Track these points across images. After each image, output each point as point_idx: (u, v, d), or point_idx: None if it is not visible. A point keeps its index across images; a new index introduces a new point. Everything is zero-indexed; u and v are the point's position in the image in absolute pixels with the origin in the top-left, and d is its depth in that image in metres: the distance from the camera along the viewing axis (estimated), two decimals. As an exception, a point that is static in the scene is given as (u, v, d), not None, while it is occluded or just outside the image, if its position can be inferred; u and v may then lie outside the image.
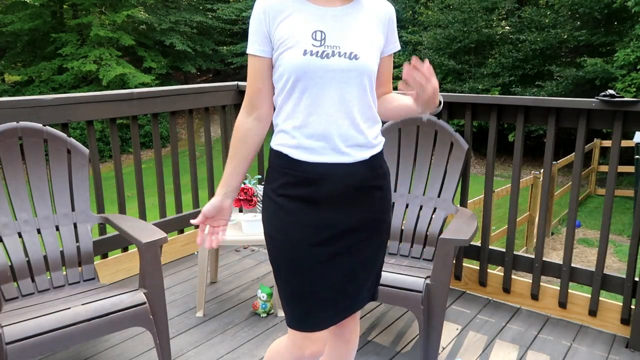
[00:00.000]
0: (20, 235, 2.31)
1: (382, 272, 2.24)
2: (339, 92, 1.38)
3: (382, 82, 1.55)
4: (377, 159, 1.47)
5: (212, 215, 1.57)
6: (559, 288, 2.70)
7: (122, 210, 3.08)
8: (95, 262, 2.54)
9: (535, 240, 4.78)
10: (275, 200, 1.44)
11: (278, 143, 1.44)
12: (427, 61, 1.30)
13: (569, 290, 2.68)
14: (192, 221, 1.55)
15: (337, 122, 1.38)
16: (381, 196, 1.50)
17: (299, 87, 1.37)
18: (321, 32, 1.37)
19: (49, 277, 2.36)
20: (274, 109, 1.47)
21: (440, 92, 1.40)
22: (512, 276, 2.85)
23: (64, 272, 2.40)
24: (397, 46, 1.53)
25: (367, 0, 1.47)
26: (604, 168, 10.85)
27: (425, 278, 2.21)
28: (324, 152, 1.38)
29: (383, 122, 1.71)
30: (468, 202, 2.92)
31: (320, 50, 1.36)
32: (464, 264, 3.00)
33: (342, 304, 1.49)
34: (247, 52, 1.44)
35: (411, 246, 2.71)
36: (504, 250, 2.85)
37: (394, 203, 2.77)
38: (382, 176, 1.50)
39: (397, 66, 18.40)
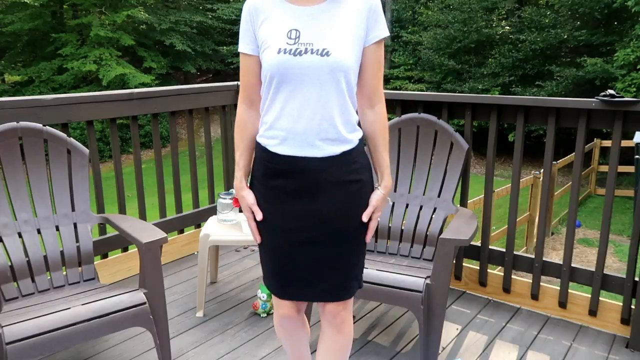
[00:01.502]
0: (20, 235, 2.31)
1: (383, 272, 2.27)
2: (312, 88, 1.44)
3: (369, 76, 1.54)
4: (352, 153, 1.51)
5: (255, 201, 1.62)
6: (559, 288, 2.70)
7: (122, 210, 3.08)
8: (95, 262, 2.54)
9: (535, 240, 4.78)
10: (258, 189, 1.58)
11: (260, 135, 1.56)
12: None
13: (569, 290, 2.68)
14: (251, 217, 1.62)
15: (309, 117, 1.45)
16: (356, 190, 1.54)
17: (275, 83, 1.47)
18: (296, 30, 1.45)
19: (49, 277, 2.36)
20: None
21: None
22: (512, 276, 2.85)
23: (64, 272, 2.40)
24: (381, 33, 1.52)
25: None
26: (604, 168, 10.84)
27: (425, 278, 2.21)
28: (297, 145, 1.47)
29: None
30: (468, 202, 2.92)
31: (294, 48, 1.43)
32: (464, 264, 3.00)
33: (310, 288, 1.61)
34: (239, 50, 1.55)
35: (411, 246, 2.71)
36: (504, 250, 2.85)
37: (393, 203, 2.78)
38: (356, 171, 1.53)
39: (398, 66, 18.39)
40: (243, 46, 1.54)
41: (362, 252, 1.64)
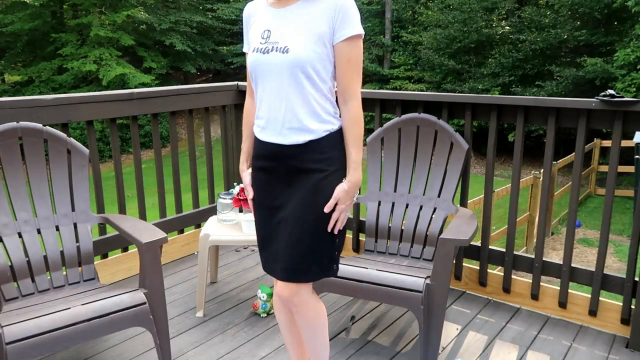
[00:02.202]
0: (20, 235, 2.31)
1: (383, 272, 2.27)
2: (276, 82, 1.60)
3: (340, 73, 1.63)
4: (317, 144, 1.62)
5: (251, 182, 1.84)
6: (559, 288, 2.70)
7: (122, 210, 3.08)
8: (95, 262, 2.54)
9: (535, 240, 4.79)
10: (252, 170, 1.80)
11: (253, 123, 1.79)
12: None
13: (569, 290, 2.68)
14: (249, 197, 1.83)
15: (276, 108, 1.62)
16: (320, 179, 1.63)
17: (253, 78, 1.67)
18: (268, 30, 1.62)
19: (49, 277, 2.36)
20: None
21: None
22: (512, 276, 2.85)
23: (64, 272, 2.40)
24: (347, 32, 1.58)
25: None
26: (604, 168, 10.84)
27: (425, 278, 2.21)
28: (269, 133, 1.66)
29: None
30: (468, 202, 2.92)
31: (264, 47, 1.61)
32: (464, 264, 3.00)
33: (272, 264, 1.76)
34: (244, 50, 1.77)
35: (411, 246, 2.71)
36: (504, 250, 2.85)
37: (393, 203, 2.78)
38: (324, 161, 1.64)
39: (398, 66, 18.39)
40: (244, 46, 1.76)
41: (326, 240, 1.69)
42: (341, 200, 1.66)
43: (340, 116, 1.69)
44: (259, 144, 1.72)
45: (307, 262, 1.68)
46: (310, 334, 1.83)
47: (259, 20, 1.67)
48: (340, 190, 1.65)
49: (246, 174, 1.84)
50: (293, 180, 1.67)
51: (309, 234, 1.66)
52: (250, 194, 1.82)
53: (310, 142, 1.62)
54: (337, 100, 1.70)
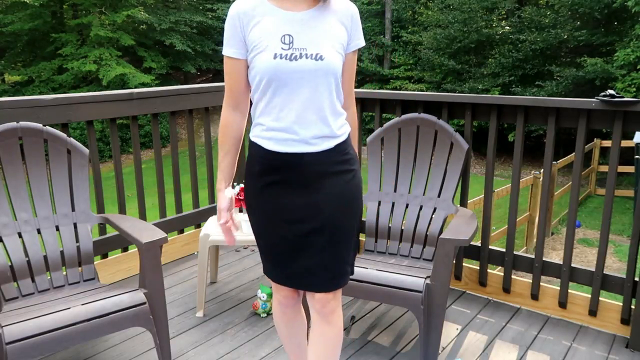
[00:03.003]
0: (20, 235, 2.31)
1: (383, 272, 2.27)
2: (308, 90, 1.53)
3: (346, 79, 1.67)
4: (342, 145, 1.62)
5: (230, 208, 1.74)
6: (559, 288, 2.70)
7: (122, 210, 3.08)
8: (95, 262, 2.54)
9: (535, 240, 4.79)
10: (253, 185, 1.65)
11: (255, 135, 1.62)
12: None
13: (569, 290, 2.68)
14: (220, 222, 1.73)
15: (305, 118, 1.54)
16: (350, 179, 1.63)
17: (272, 86, 1.53)
18: (289, 35, 1.52)
19: (49, 277, 2.36)
20: (251, 104, 1.65)
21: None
22: (512, 276, 2.85)
23: (64, 272, 2.40)
24: (360, 42, 1.65)
25: (332, 1, 1.59)
26: (604, 168, 10.85)
27: (425, 278, 2.21)
28: (294, 144, 1.55)
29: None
30: (468, 202, 2.92)
31: (289, 53, 1.51)
32: (464, 264, 3.00)
33: (309, 278, 1.65)
34: (224, 54, 1.59)
35: (411, 246, 2.71)
36: (504, 250, 2.85)
37: (393, 203, 2.78)
38: (348, 161, 1.63)
39: (398, 66, 18.39)
40: (230, 50, 1.58)
41: (355, 239, 1.70)
42: None
43: None
44: (271, 157, 1.58)
45: (345, 264, 1.67)
46: (335, 343, 1.74)
47: (268, 22, 1.53)
48: None
49: (224, 195, 1.70)
50: (316, 187, 1.58)
51: (346, 236, 1.64)
52: (223, 218, 1.70)
53: (338, 145, 1.61)
54: None
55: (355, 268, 2.29)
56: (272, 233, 1.66)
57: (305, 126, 1.54)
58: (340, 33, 1.58)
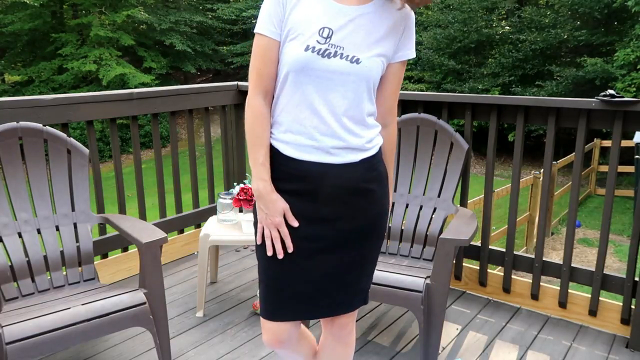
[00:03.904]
0: (20, 235, 2.31)
1: (383, 272, 2.27)
2: (335, 93, 1.36)
3: (389, 92, 1.48)
4: (370, 161, 1.44)
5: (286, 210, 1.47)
6: (559, 288, 2.70)
7: (122, 210, 3.08)
8: (95, 262, 2.54)
9: (535, 240, 4.78)
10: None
11: (273, 137, 1.44)
12: None
13: (569, 290, 2.68)
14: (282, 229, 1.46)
15: (327, 124, 1.37)
16: (375, 200, 1.46)
17: (295, 81, 1.36)
18: (329, 29, 1.34)
19: (49, 277, 2.36)
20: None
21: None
22: (512, 276, 2.85)
23: (64, 272, 2.40)
24: (409, 54, 1.46)
25: (386, 2, 1.40)
26: (604, 168, 10.84)
27: (425, 278, 2.21)
28: (313, 151, 1.38)
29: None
30: (468, 202, 2.92)
31: (323, 48, 1.33)
32: (464, 264, 3.00)
33: (321, 302, 1.49)
34: (258, 31, 1.38)
35: (411, 246, 2.71)
36: (504, 250, 2.85)
37: (393, 203, 2.77)
38: (375, 179, 1.46)
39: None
40: (267, 28, 1.37)
41: (376, 259, 1.58)
42: None
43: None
44: (288, 164, 1.41)
45: (365, 288, 1.57)
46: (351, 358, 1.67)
47: (310, 8, 1.35)
48: None
49: (277, 196, 1.43)
50: (343, 203, 1.42)
51: (374, 255, 1.55)
52: (294, 222, 1.43)
53: (364, 160, 1.42)
54: None
55: None
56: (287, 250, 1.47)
57: (327, 133, 1.37)
58: (388, 39, 1.40)
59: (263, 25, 1.38)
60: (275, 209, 1.42)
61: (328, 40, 1.33)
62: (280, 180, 1.43)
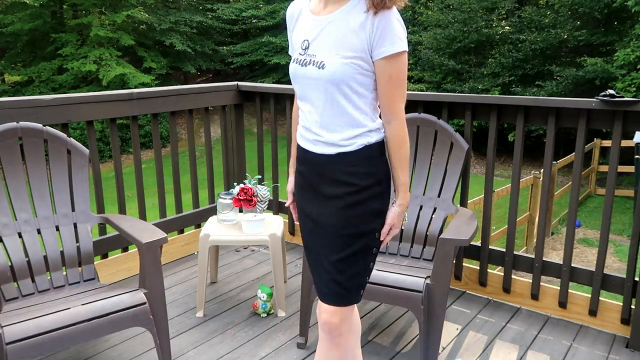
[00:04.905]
0: (20, 236, 2.31)
1: (383, 272, 2.26)
2: (312, 95, 1.55)
3: (380, 91, 1.52)
4: (348, 157, 1.54)
5: (293, 190, 1.81)
6: (559, 288, 2.70)
7: (122, 210, 3.08)
8: (95, 262, 2.54)
9: (535, 240, 4.78)
10: (296, 173, 1.75)
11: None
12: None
13: (569, 290, 2.68)
14: (287, 204, 1.85)
15: (311, 120, 1.58)
16: (349, 193, 1.55)
17: (295, 86, 1.63)
18: (307, 41, 1.55)
19: (49, 277, 2.36)
20: None
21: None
22: (512, 276, 2.85)
23: (64, 272, 2.40)
24: (385, 50, 1.45)
25: (359, 5, 1.47)
26: (604, 168, 10.85)
27: (425, 278, 2.21)
28: (306, 141, 1.62)
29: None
30: (468, 202, 2.92)
31: (302, 59, 1.55)
32: (464, 264, 3.00)
33: (318, 278, 1.65)
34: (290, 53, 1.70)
35: (411, 246, 2.71)
36: (504, 250, 2.85)
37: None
38: (352, 174, 1.54)
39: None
40: (290, 49, 1.69)
41: (357, 260, 1.58)
42: (395, 225, 1.61)
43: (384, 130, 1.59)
44: (298, 149, 1.69)
45: (338, 283, 1.58)
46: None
47: (300, 26, 1.60)
48: (392, 215, 1.60)
49: (290, 179, 1.82)
50: (322, 190, 1.59)
51: (341, 250, 1.57)
52: (289, 200, 1.82)
53: (341, 154, 1.54)
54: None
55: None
56: (300, 221, 1.74)
57: (310, 127, 1.59)
58: (358, 40, 1.46)
59: (290, 47, 1.69)
60: (288, 188, 1.84)
61: (306, 50, 1.55)
62: (297, 161, 1.71)
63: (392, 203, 1.62)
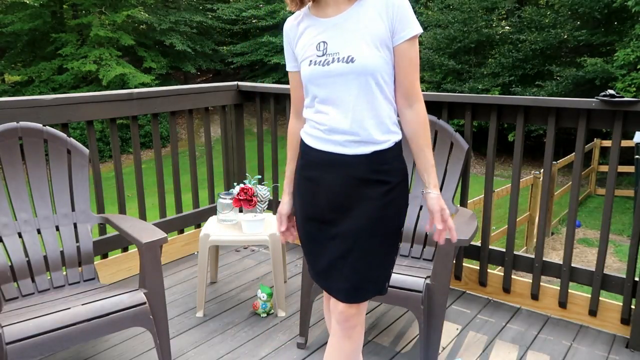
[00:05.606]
0: (20, 235, 2.31)
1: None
2: (340, 93, 1.51)
3: (402, 74, 1.54)
4: (382, 155, 1.54)
5: (289, 212, 1.77)
6: (559, 288, 2.70)
7: (122, 210, 3.08)
8: (95, 262, 2.54)
9: (535, 240, 4.78)
10: (297, 180, 1.69)
11: (302, 130, 1.66)
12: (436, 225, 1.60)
13: (569, 290, 2.68)
14: (280, 229, 1.78)
15: (340, 120, 1.53)
16: (385, 192, 1.54)
17: (311, 90, 1.58)
18: (324, 42, 1.54)
19: (49, 277, 2.36)
20: None
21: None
22: (512, 276, 2.85)
23: (64, 272, 2.40)
24: (407, 33, 1.51)
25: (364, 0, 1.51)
26: (604, 168, 10.85)
27: (425, 278, 2.21)
28: (328, 143, 1.55)
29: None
30: (468, 202, 2.92)
31: (323, 59, 1.52)
32: (464, 264, 3.00)
33: (332, 280, 1.61)
34: (287, 69, 1.71)
35: (411, 246, 2.71)
36: (504, 250, 2.85)
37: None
38: (386, 172, 1.55)
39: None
40: (288, 65, 1.69)
41: (387, 256, 1.62)
42: (443, 209, 1.61)
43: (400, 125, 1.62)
44: (310, 152, 1.60)
45: (365, 281, 1.58)
46: (352, 358, 1.69)
47: (308, 33, 1.58)
48: (436, 201, 1.61)
49: (284, 201, 1.74)
50: (352, 192, 1.55)
51: (375, 250, 1.57)
52: (283, 225, 1.75)
53: (375, 152, 1.53)
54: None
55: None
56: (305, 231, 1.67)
57: (338, 128, 1.53)
58: (377, 28, 1.49)
59: (287, 64, 1.69)
60: (281, 212, 1.77)
61: (325, 51, 1.53)
62: (304, 168, 1.64)
63: (426, 191, 1.62)
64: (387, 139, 1.55)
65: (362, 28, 1.50)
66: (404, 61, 1.53)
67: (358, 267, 1.56)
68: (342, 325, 1.63)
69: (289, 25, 1.65)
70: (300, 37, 1.60)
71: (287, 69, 1.70)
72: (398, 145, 1.59)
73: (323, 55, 1.52)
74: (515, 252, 2.82)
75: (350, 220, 1.55)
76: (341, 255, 1.57)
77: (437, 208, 1.61)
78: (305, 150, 1.63)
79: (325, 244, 1.61)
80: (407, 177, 1.62)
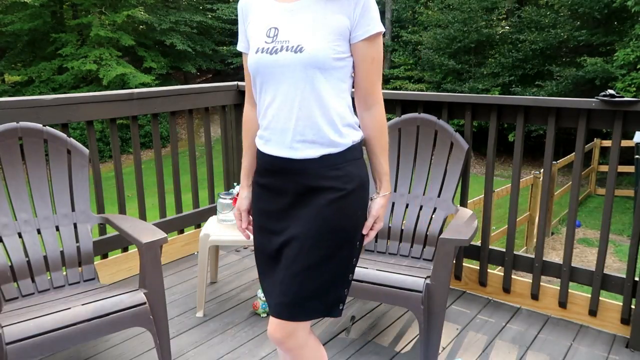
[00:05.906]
0: (20, 236, 2.31)
1: (383, 272, 2.26)
2: (288, 86, 1.37)
3: (361, 75, 1.43)
4: (333, 158, 1.40)
5: (249, 208, 1.63)
6: (559, 288, 2.70)
7: (122, 210, 3.08)
8: (95, 262, 2.54)
9: (535, 240, 4.78)
10: (253, 186, 1.57)
11: (257, 133, 1.52)
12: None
13: (569, 290, 2.68)
14: (242, 227, 1.64)
15: (286, 117, 1.39)
16: (335, 199, 1.39)
17: (257, 81, 1.44)
18: (275, 28, 1.40)
19: (49, 278, 2.36)
20: None
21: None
22: (512, 276, 2.85)
23: (64, 272, 2.40)
24: (369, 29, 1.39)
25: None
26: (604, 168, 10.84)
27: (425, 278, 2.21)
28: (275, 145, 1.42)
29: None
30: (468, 202, 2.92)
31: (271, 47, 1.38)
32: (464, 264, 3.00)
33: (274, 295, 1.46)
34: (238, 49, 1.54)
35: (411, 246, 2.71)
36: (504, 250, 2.85)
37: (393, 203, 2.77)
38: (337, 178, 1.40)
39: (398, 66, 18.36)
40: (239, 44, 1.53)
41: (341, 272, 1.45)
42: (379, 218, 1.49)
43: (359, 126, 1.48)
44: (262, 158, 1.47)
45: (311, 297, 1.41)
46: None
47: (260, 15, 1.43)
48: (377, 207, 1.49)
49: (242, 197, 1.60)
50: (302, 201, 1.42)
51: (322, 264, 1.40)
52: (244, 222, 1.61)
53: (325, 156, 1.38)
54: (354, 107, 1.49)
55: (355, 268, 2.28)
56: (257, 241, 1.55)
57: (286, 127, 1.38)
58: (337, 20, 1.36)
59: (239, 43, 1.54)
60: (240, 207, 1.62)
61: (275, 38, 1.39)
62: (257, 174, 1.53)
63: (375, 194, 1.51)
64: (339, 141, 1.40)
65: (320, 18, 1.36)
66: (364, 61, 1.41)
67: (300, 280, 1.40)
68: (280, 346, 1.47)
69: (244, 2, 1.49)
70: (253, 18, 1.46)
71: (239, 48, 1.53)
72: (353, 148, 1.43)
73: (272, 42, 1.38)
74: (515, 252, 2.82)
75: (295, 229, 1.42)
76: (285, 267, 1.42)
77: (374, 213, 1.49)
78: (257, 154, 1.50)
79: (274, 257, 1.47)
80: (366, 184, 1.47)
